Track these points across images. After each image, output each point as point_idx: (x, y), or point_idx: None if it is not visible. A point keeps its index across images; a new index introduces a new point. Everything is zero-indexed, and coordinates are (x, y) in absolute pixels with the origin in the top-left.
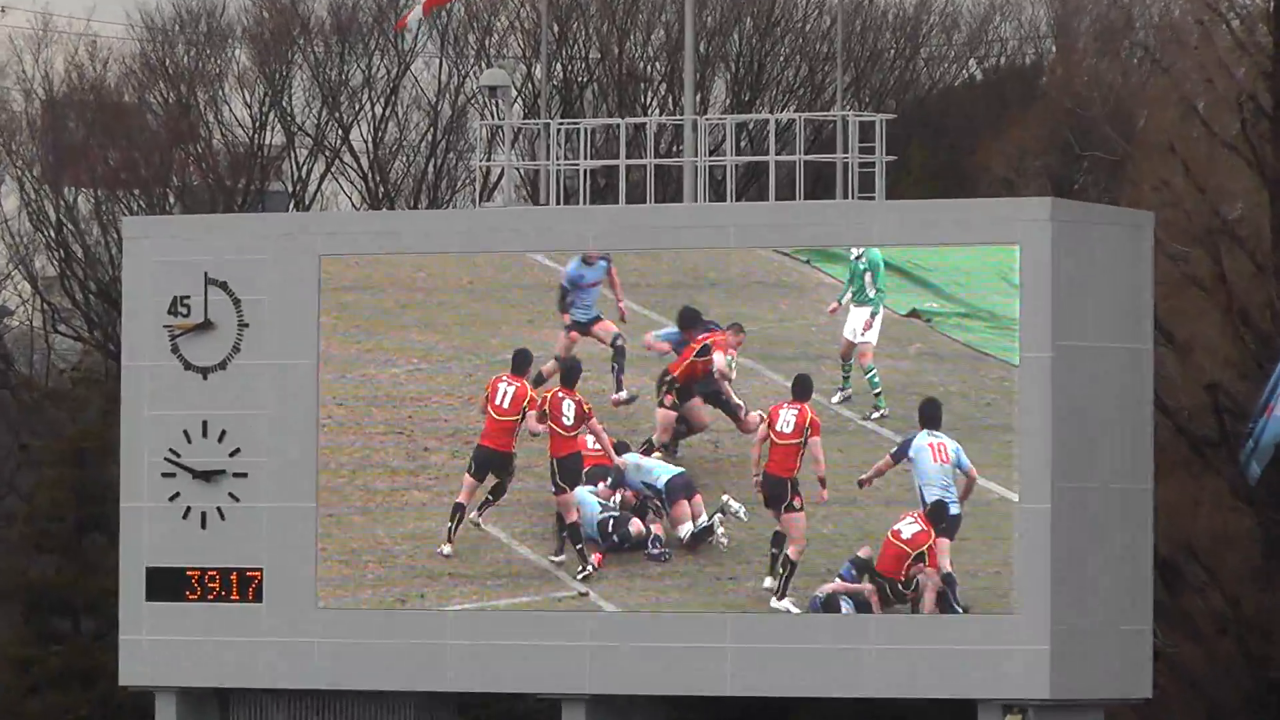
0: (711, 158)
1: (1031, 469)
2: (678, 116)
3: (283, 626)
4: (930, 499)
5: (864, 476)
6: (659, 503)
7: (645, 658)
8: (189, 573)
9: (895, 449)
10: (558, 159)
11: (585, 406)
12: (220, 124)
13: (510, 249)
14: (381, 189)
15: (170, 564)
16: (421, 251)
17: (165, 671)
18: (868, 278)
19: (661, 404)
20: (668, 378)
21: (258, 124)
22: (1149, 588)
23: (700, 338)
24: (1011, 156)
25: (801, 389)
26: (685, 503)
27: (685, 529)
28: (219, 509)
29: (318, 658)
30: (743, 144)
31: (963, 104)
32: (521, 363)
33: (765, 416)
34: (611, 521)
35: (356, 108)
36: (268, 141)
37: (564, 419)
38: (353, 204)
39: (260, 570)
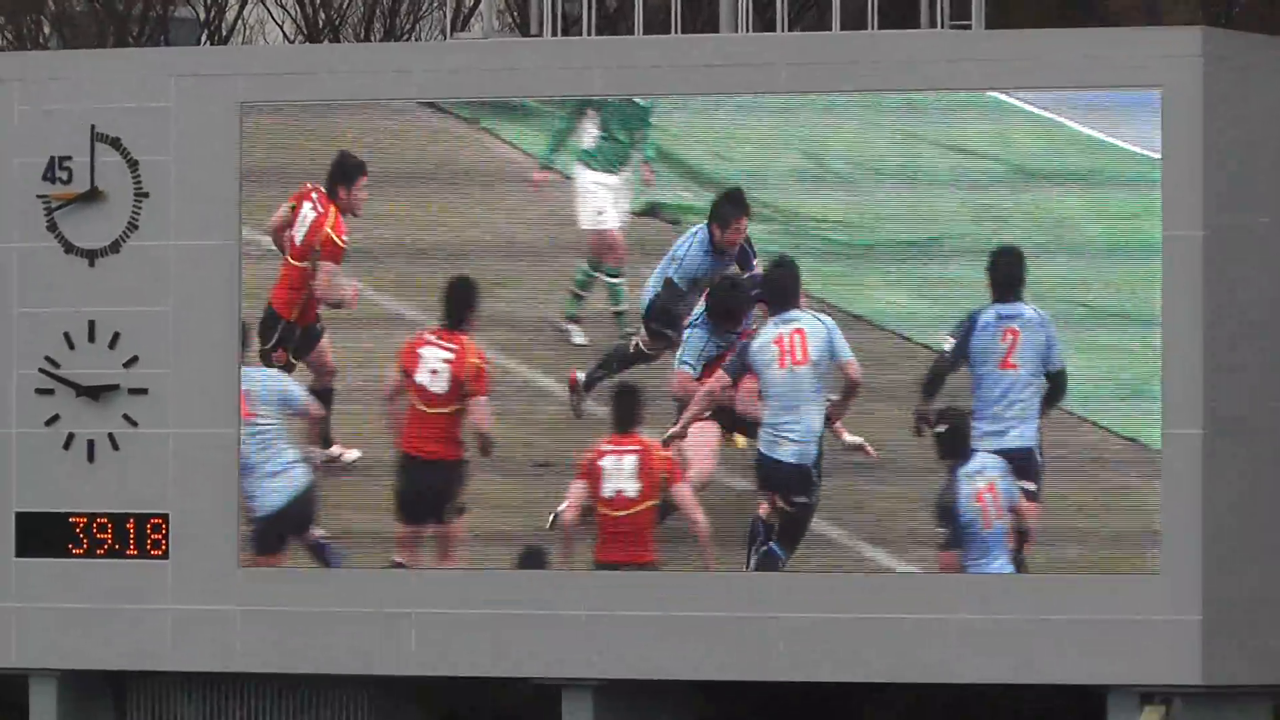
0: None
1: (1177, 388)
2: None
3: (195, 592)
4: None
5: None
6: None
7: (667, 632)
8: (72, 519)
9: None
10: None
11: None
12: None
13: (492, 94)
14: (321, 16)
15: (47, 508)
16: (373, 99)
17: (42, 651)
18: None
19: None
20: None
21: None
22: None
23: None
24: None
25: None
26: None
27: None
28: (110, 436)
29: (240, 633)
30: None
31: None
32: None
33: None
34: None
35: None
36: None
37: None
38: (285, 36)
39: (165, 517)
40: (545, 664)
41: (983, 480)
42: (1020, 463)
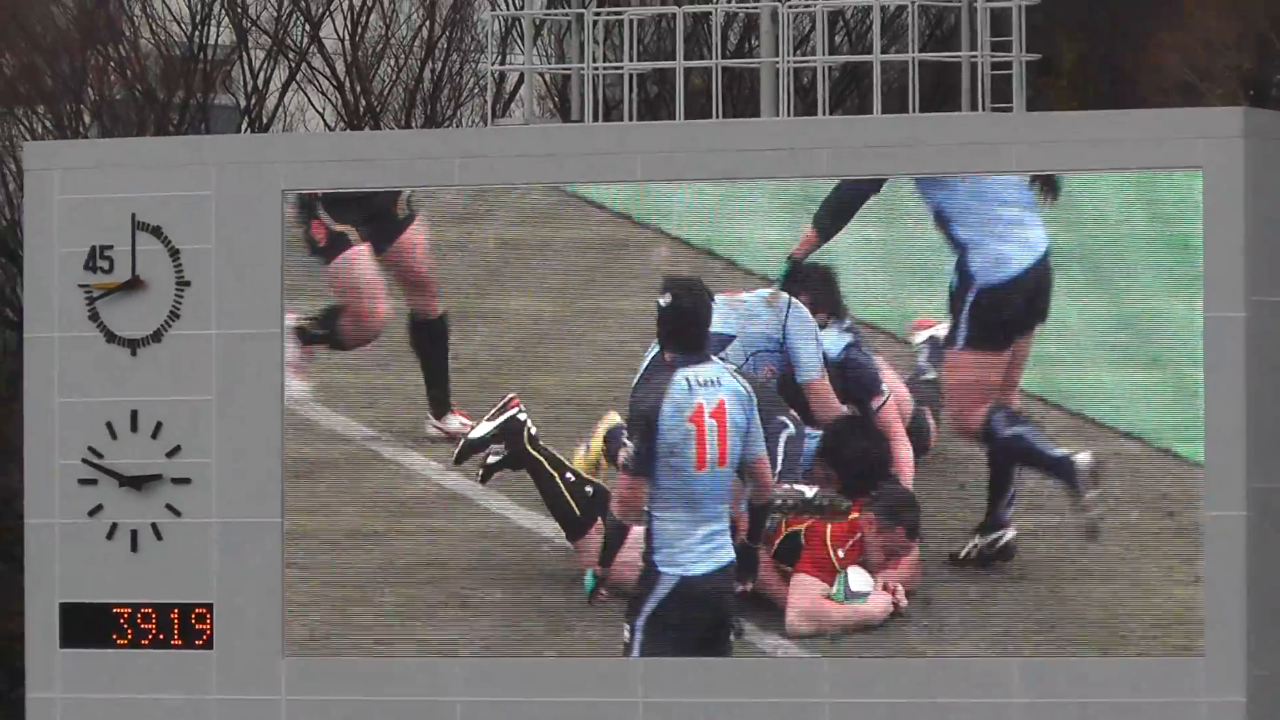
0: (797, 57)
1: (1220, 464)
2: (752, 2)
3: (239, 681)
4: None
5: None
6: None
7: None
8: (116, 610)
9: None
10: (594, 60)
11: None
12: (149, 17)
13: (532, 179)
14: (362, 103)
15: (91, 599)
16: (416, 185)
17: None
18: None
19: None
20: None
21: (199, 18)
22: None
23: None
24: (1191, 52)
25: None
26: None
27: None
28: (154, 526)
29: None
30: (838, 40)
31: None
32: None
33: None
34: None
35: None
36: (212, 41)
37: None
38: (325, 123)
39: (209, 607)
40: None
41: None
42: None
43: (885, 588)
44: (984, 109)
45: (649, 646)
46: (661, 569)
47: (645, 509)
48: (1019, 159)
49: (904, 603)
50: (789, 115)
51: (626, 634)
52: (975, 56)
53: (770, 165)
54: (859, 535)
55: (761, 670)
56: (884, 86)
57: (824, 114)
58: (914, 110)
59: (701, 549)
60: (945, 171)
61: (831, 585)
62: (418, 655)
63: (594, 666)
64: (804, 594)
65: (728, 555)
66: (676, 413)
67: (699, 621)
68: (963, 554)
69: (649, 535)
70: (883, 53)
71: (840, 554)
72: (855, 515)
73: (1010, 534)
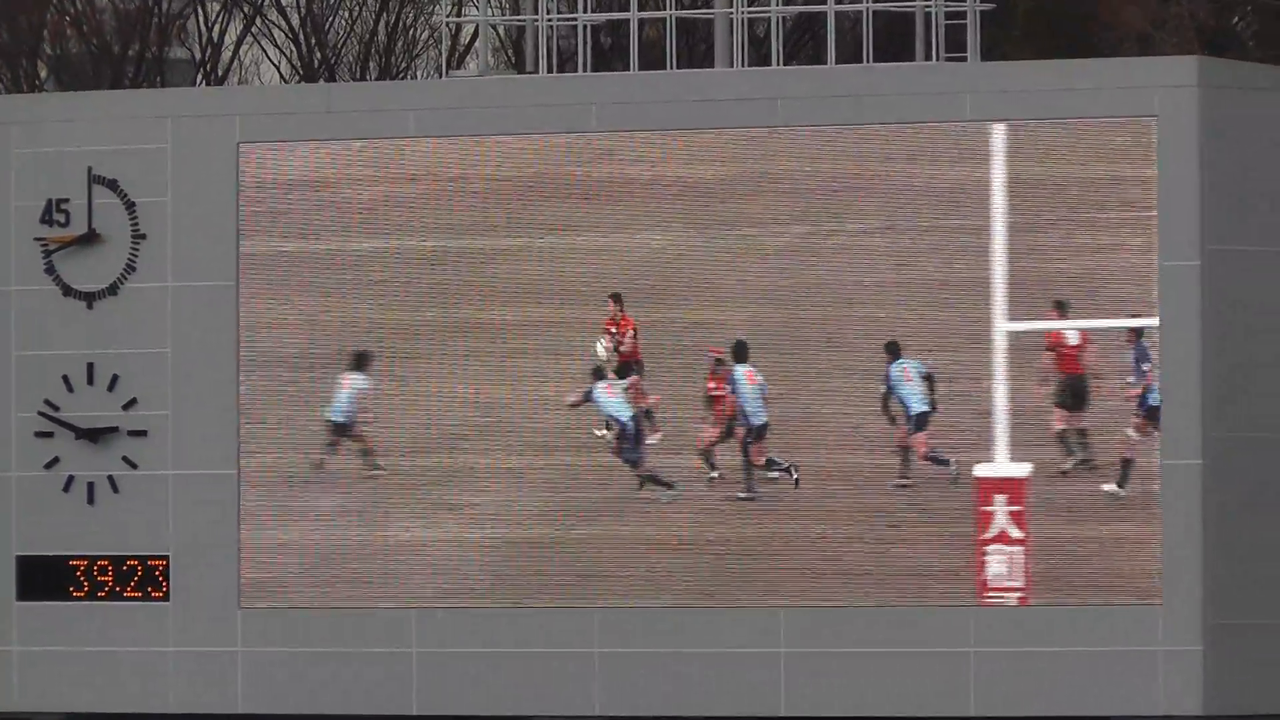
0: (751, 8)
1: (1175, 415)
2: None
3: (196, 634)
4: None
5: None
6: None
7: (661, 669)
8: (72, 563)
9: None
10: (549, 12)
11: None
12: None
13: (486, 132)
14: (318, 55)
15: (47, 552)
16: (370, 136)
17: (43, 693)
18: None
19: None
20: None
21: None
22: None
23: None
24: (1147, 2)
25: None
26: None
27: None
28: (110, 479)
29: (243, 675)
30: None
31: None
32: None
33: None
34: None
35: None
36: None
37: None
38: (280, 75)
39: (166, 559)
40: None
41: None
42: None
43: None
44: (938, 59)
45: None
46: None
47: None
48: (973, 108)
49: None
50: (743, 66)
51: None
52: (930, 6)
53: (724, 116)
54: None
55: None
56: (837, 37)
57: (778, 65)
58: (868, 60)
59: None
60: (899, 120)
61: None
62: (382, 608)
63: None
64: None
65: None
66: None
67: None
68: None
69: None
70: (837, 3)
71: None
72: None
73: None
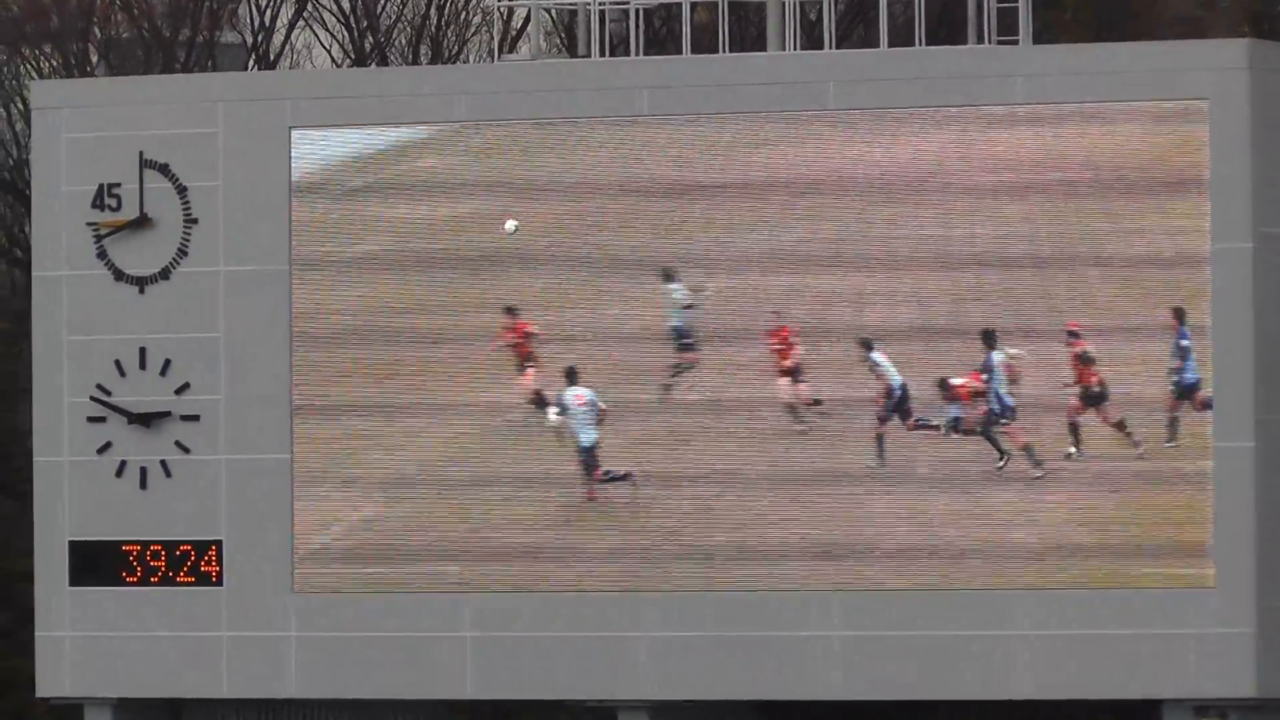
0: None
1: (1229, 397)
2: None
3: (248, 618)
4: None
5: None
6: None
7: (719, 652)
8: (125, 548)
9: None
10: None
11: None
12: None
13: (537, 115)
14: (369, 39)
15: (100, 536)
16: (422, 121)
17: (96, 679)
18: None
19: None
20: None
21: None
22: None
23: None
24: None
25: None
26: None
27: None
28: (163, 463)
29: (294, 658)
30: None
31: None
32: None
33: None
34: None
35: None
36: None
37: None
38: (332, 59)
39: (218, 544)
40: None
41: None
42: None
43: None
44: (990, 42)
45: None
46: None
47: None
48: (1022, 90)
49: None
50: (795, 50)
51: None
52: None
53: (771, 99)
54: None
55: None
56: (890, 20)
57: (830, 48)
58: (920, 44)
59: None
60: (949, 103)
61: None
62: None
63: None
64: None
65: None
66: None
67: None
68: None
69: None
70: None
71: None
72: None
73: None
